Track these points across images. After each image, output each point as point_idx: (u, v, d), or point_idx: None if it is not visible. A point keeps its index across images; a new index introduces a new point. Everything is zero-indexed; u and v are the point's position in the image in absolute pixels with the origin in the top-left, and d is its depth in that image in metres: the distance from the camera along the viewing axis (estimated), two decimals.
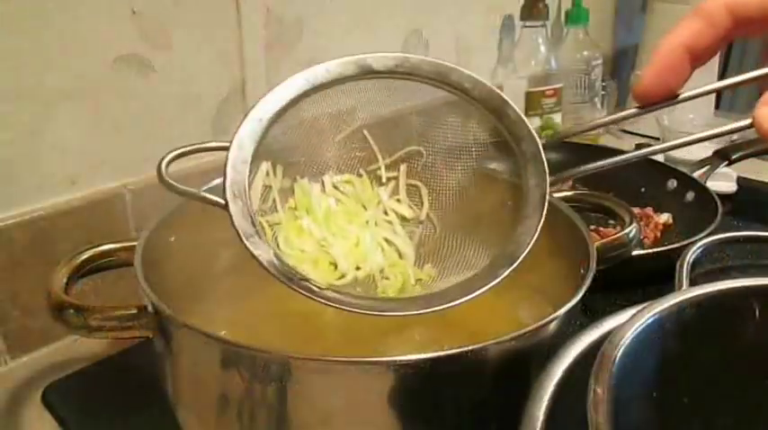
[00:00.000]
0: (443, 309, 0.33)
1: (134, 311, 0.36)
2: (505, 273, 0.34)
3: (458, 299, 0.33)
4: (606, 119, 0.42)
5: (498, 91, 0.38)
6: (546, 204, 0.35)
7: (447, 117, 0.41)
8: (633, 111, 0.36)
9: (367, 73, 0.39)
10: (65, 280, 0.38)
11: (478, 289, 0.33)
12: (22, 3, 0.47)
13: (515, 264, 0.34)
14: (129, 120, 0.54)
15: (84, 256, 0.41)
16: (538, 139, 0.37)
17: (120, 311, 0.37)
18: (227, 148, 0.36)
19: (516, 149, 0.37)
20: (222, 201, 0.35)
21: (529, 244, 0.34)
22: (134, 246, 0.39)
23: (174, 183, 0.35)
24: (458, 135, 0.41)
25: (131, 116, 0.55)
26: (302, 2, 0.65)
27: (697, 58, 0.33)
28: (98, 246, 0.42)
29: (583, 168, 0.39)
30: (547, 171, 0.36)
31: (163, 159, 0.36)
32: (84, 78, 0.51)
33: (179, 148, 0.37)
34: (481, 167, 0.40)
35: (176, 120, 0.58)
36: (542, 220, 0.35)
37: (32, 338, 0.52)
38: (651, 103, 0.35)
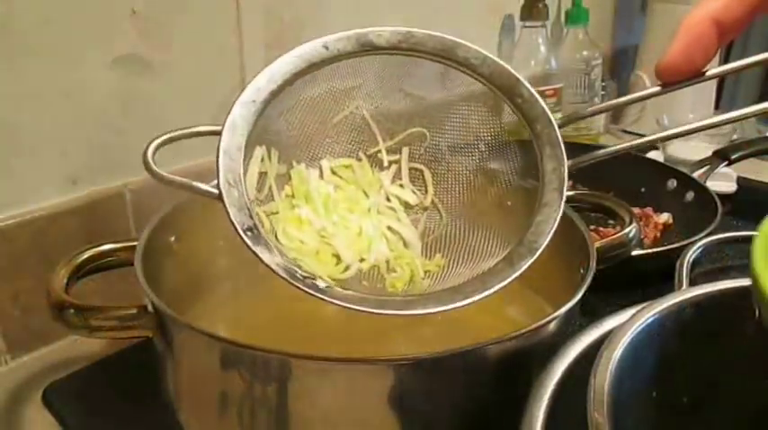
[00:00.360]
0: (462, 306, 0.30)
1: (134, 311, 0.36)
2: (527, 264, 0.32)
3: (475, 294, 0.31)
4: (623, 99, 0.38)
5: (510, 68, 0.35)
6: (565, 190, 0.33)
7: (453, 96, 0.38)
8: (655, 90, 0.34)
9: (368, 48, 0.36)
10: (65, 280, 0.38)
11: (497, 283, 0.31)
12: (22, 3, 0.47)
13: (537, 254, 0.32)
14: (129, 121, 0.54)
15: (84, 256, 0.41)
16: (553, 120, 0.35)
17: (120, 311, 0.37)
18: (218, 133, 0.33)
19: (530, 131, 0.35)
20: (215, 191, 0.31)
21: (549, 232, 0.32)
22: (134, 246, 0.39)
23: (162, 172, 0.32)
24: (465, 115, 0.39)
25: (131, 116, 0.55)
26: (302, 2, 0.65)
27: (725, 33, 0.31)
28: (98, 246, 0.42)
29: (601, 152, 0.36)
30: (564, 154, 0.34)
31: (148, 146, 0.32)
32: (84, 78, 0.51)
33: (166, 133, 0.34)
34: (490, 151, 0.38)
35: (176, 120, 0.58)
36: (562, 207, 0.33)
37: (32, 338, 0.52)
38: (675, 81, 0.33)
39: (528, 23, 0.88)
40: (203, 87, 0.59)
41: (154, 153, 0.33)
